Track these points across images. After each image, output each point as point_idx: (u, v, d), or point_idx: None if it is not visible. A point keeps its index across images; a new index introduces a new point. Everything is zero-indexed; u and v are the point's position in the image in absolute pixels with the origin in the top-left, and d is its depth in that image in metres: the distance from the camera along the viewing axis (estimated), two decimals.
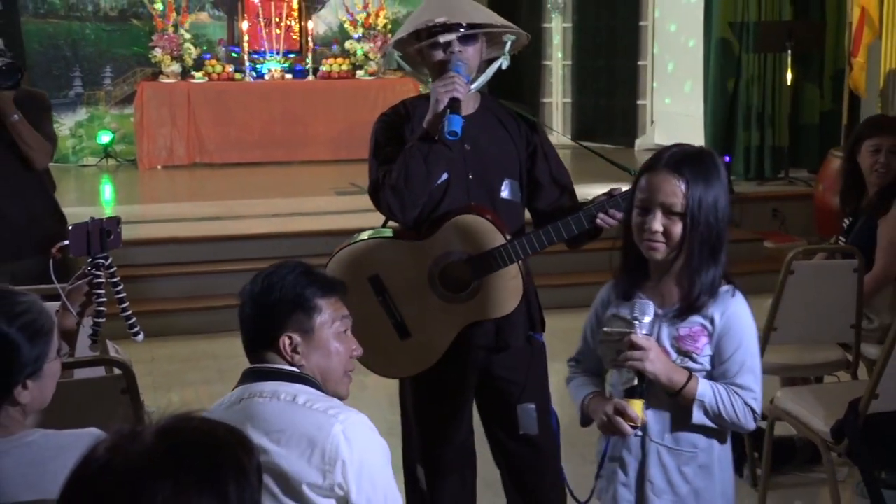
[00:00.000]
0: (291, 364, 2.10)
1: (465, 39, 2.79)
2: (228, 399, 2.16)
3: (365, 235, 2.99)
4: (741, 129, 8.29)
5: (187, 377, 5.12)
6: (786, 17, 8.14)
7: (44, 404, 2.07)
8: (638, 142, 9.99)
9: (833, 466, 3.55)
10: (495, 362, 2.95)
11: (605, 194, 2.82)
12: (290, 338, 2.08)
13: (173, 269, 6.36)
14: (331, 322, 2.13)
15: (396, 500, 2.03)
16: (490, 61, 3.00)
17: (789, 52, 7.87)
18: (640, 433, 2.28)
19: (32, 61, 9.11)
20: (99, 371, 2.88)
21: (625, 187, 2.68)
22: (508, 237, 2.82)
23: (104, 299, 2.95)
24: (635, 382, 2.20)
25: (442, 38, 2.76)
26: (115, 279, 3.01)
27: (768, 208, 7.60)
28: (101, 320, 2.95)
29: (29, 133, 3.92)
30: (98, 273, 2.94)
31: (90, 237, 2.96)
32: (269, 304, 2.10)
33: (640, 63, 9.92)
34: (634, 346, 2.18)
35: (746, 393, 2.26)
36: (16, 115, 3.87)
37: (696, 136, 8.66)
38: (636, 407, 2.20)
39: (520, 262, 2.85)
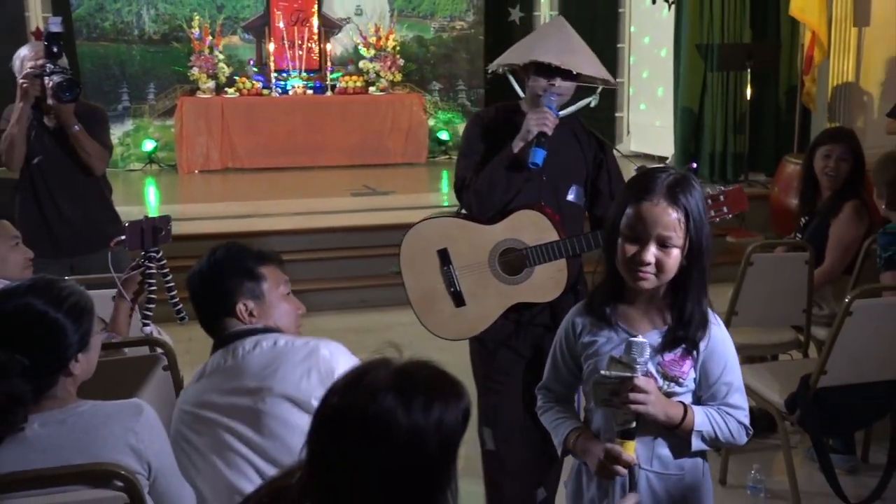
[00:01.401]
0: (251, 325, 2.14)
1: (567, 77, 2.84)
2: (211, 364, 2.20)
3: (441, 213, 3.07)
4: (706, 137, 8.29)
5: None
6: (745, 40, 8.14)
7: (90, 374, 2.08)
8: (616, 150, 9.95)
9: (787, 434, 3.55)
10: (547, 340, 2.93)
11: None
12: (245, 304, 2.13)
13: None
14: (275, 286, 2.17)
15: None
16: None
17: (749, 70, 7.85)
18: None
19: (86, 79, 9.09)
20: (143, 350, 2.87)
21: None
22: (563, 235, 2.86)
23: (155, 287, 2.98)
24: (633, 425, 1.95)
25: (553, 85, 2.82)
26: (165, 270, 3.05)
27: (726, 219, 7.54)
28: (151, 305, 2.98)
29: (88, 142, 3.91)
30: (150, 265, 2.97)
31: (144, 233, 2.98)
32: (218, 279, 2.13)
33: (618, 80, 9.88)
34: (636, 390, 1.91)
35: (738, 412, 2.07)
36: (77, 126, 3.87)
37: (666, 144, 8.67)
38: (629, 449, 1.96)
39: (568, 257, 2.87)
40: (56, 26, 3.84)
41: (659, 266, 1.95)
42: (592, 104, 3.02)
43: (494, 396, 3.04)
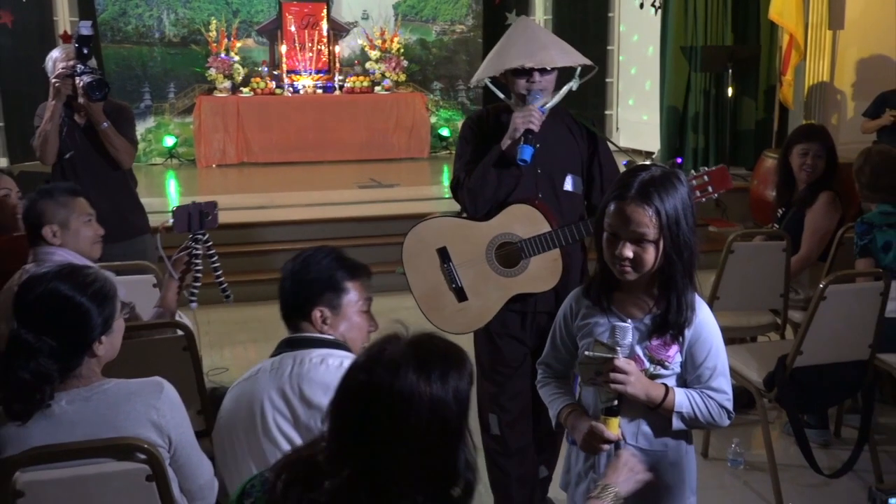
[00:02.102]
0: (321, 333, 2.07)
1: (544, 71, 2.80)
2: (270, 363, 2.11)
3: (438, 214, 3.02)
4: (690, 134, 8.27)
5: (237, 337, 5.12)
6: (727, 43, 8.10)
7: (114, 355, 2.08)
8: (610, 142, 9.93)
9: (765, 410, 3.56)
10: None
11: None
12: (321, 311, 2.06)
13: (226, 248, 6.31)
14: (356, 301, 2.10)
15: None
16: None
17: (730, 71, 7.83)
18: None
19: (110, 80, 8.86)
20: (165, 332, 2.87)
21: None
22: (555, 226, 2.81)
23: (200, 267, 2.97)
24: (615, 403, 1.96)
25: (533, 82, 2.78)
26: (212, 252, 3.04)
27: (711, 200, 7.53)
28: (197, 284, 2.99)
29: (116, 138, 3.90)
30: (197, 247, 2.97)
31: (191, 217, 2.98)
32: (305, 282, 2.07)
33: (607, 80, 9.86)
34: (617, 370, 1.93)
35: (720, 395, 2.04)
36: (105, 123, 3.86)
37: (653, 140, 8.65)
38: (613, 426, 1.97)
39: (560, 247, 2.82)
40: (86, 29, 3.83)
41: (636, 261, 1.94)
42: (574, 88, 2.96)
43: (500, 385, 3.00)
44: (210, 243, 3.04)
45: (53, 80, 3.82)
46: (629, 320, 2.01)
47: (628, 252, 1.93)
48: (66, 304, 1.95)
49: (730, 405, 2.06)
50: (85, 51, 3.80)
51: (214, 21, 9.69)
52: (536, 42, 2.84)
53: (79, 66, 3.79)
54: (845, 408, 3.97)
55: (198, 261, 2.98)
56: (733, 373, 3.63)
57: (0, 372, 1.92)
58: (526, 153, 2.73)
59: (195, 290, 3.00)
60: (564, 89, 2.96)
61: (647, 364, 2.01)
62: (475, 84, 2.98)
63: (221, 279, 3.11)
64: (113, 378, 2.03)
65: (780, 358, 3.41)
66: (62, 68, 3.81)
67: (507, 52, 2.84)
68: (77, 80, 3.78)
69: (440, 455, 1.33)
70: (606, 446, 1.99)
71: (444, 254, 2.92)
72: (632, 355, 1.99)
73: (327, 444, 1.36)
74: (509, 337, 2.96)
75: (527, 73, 2.79)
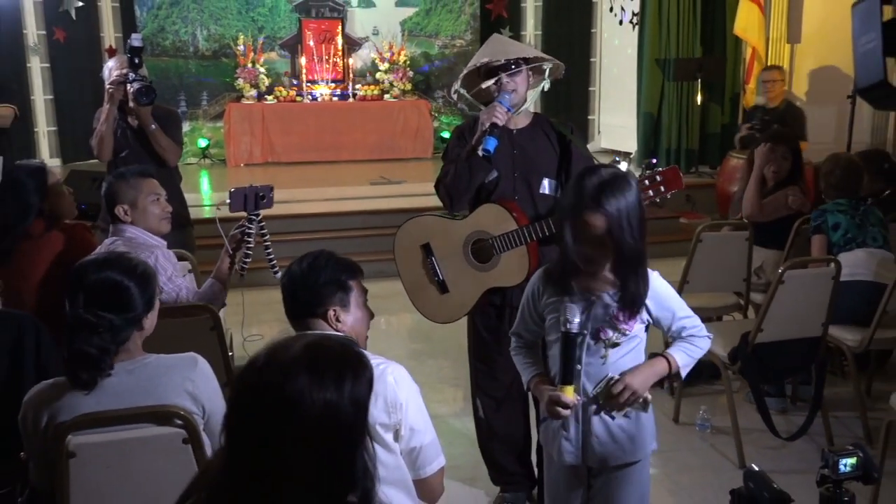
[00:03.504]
0: (335, 330, 2.01)
1: (511, 73, 2.67)
2: None
3: (426, 214, 2.95)
4: (664, 136, 8.25)
5: (263, 316, 5.10)
6: (697, 55, 8.08)
7: (152, 330, 2.08)
8: (589, 146, 9.89)
9: (729, 381, 3.56)
10: None
11: None
12: (334, 311, 2.00)
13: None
14: (357, 297, 2.06)
15: (427, 422, 1.96)
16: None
17: (699, 80, 7.81)
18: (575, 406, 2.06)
19: None
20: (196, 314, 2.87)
21: None
22: (522, 224, 2.71)
23: (252, 244, 2.94)
24: (579, 367, 2.04)
25: (501, 83, 2.68)
26: (264, 231, 3.01)
27: (683, 194, 7.53)
28: (248, 260, 2.95)
29: (163, 139, 3.89)
30: (250, 227, 2.93)
31: (247, 199, 2.94)
32: (317, 285, 1.99)
33: (590, 89, 9.81)
34: (625, 389, 2.02)
35: (696, 330, 2.13)
36: (153, 126, 3.85)
37: (631, 142, 8.61)
38: (568, 392, 2.01)
39: (528, 243, 2.71)
40: (137, 41, 3.84)
41: (599, 255, 2.00)
42: (545, 88, 2.88)
43: (484, 374, 2.95)
44: (263, 223, 3.00)
45: (108, 86, 3.82)
46: (593, 296, 2.05)
47: (593, 249, 1.97)
48: (117, 286, 1.96)
49: (704, 329, 2.15)
50: (136, 60, 3.79)
51: (242, 36, 9.64)
52: (501, 46, 2.78)
53: (130, 73, 3.77)
54: (800, 379, 3.97)
55: (250, 239, 2.95)
56: None
57: (65, 347, 1.92)
58: (489, 144, 2.62)
59: (245, 265, 2.98)
60: (537, 89, 2.87)
61: (610, 333, 2.04)
62: (454, 93, 2.87)
63: (272, 257, 3.09)
64: (153, 353, 2.03)
65: (743, 335, 3.41)
66: (116, 76, 3.81)
67: (473, 60, 2.77)
68: (128, 86, 3.76)
69: (335, 460, 1.17)
70: (566, 411, 2.03)
71: (427, 249, 2.87)
72: (585, 327, 2.02)
73: (224, 447, 1.21)
74: (491, 328, 2.88)
75: (495, 74, 2.69)
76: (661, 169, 2.57)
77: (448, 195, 2.79)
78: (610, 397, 2.04)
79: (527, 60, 2.75)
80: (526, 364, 2.24)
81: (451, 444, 3.43)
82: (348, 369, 1.19)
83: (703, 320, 4.05)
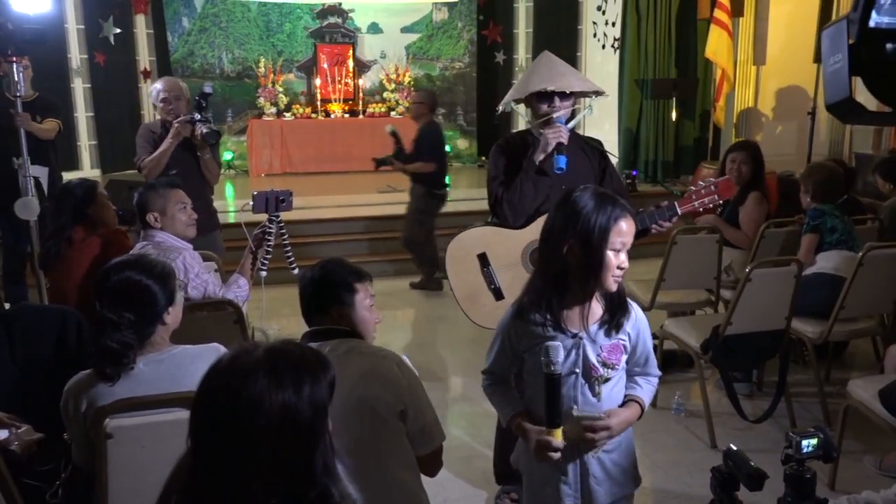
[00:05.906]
0: (340, 326, 2.00)
1: (563, 96, 2.64)
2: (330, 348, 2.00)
3: (478, 224, 2.77)
4: (643, 150, 8.25)
5: (283, 311, 5.10)
6: (672, 75, 8.09)
7: (178, 323, 2.06)
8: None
9: (701, 369, 3.55)
10: None
11: (654, 206, 2.57)
12: (338, 310, 2.00)
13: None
14: (363, 299, 2.03)
15: (428, 403, 1.94)
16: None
17: (674, 98, 7.81)
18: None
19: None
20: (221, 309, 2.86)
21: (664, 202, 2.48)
22: None
23: (272, 242, 2.93)
24: (558, 418, 1.78)
25: (554, 107, 2.59)
26: (283, 232, 3.01)
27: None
28: (268, 257, 2.96)
29: (211, 164, 3.99)
30: (271, 227, 2.93)
31: (268, 201, 2.94)
32: (326, 287, 1.98)
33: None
34: (601, 429, 1.80)
35: (653, 379, 1.94)
36: (208, 155, 3.95)
37: (612, 154, 8.58)
38: (557, 435, 1.78)
39: None
40: (209, 88, 3.93)
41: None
42: (588, 115, 2.81)
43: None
44: (283, 224, 2.99)
45: (175, 124, 3.86)
46: (579, 333, 1.82)
47: (627, 262, 1.77)
48: (137, 285, 1.94)
49: (658, 376, 1.96)
50: (203, 104, 3.85)
51: (263, 60, 9.66)
52: (558, 70, 2.68)
53: (196, 115, 3.85)
54: (766, 366, 3.96)
55: (270, 238, 2.95)
56: (676, 340, 3.63)
57: (93, 343, 1.91)
58: (561, 161, 2.56)
59: (266, 262, 2.98)
60: (581, 114, 2.80)
61: (601, 371, 1.84)
62: (503, 109, 2.76)
63: (290, 254, 3.09)
64: (180, 345, 2.02)
65: (714, 327, 3.40)
66: (183, 118, 3.86)
67: (531, 80, 2.67)
68: (195, 126, 3.85)
69: (294, 459, 1.10)
70: (556, 454, 1.80)
71: (484, 259, 2.69)
72: (576, 365, 1.82)
73: (189, 448, 1.15)
74: None
75: (549, 97, 2.62)
76: (714, 179, 2.53)
77: (512, 211, 2.64)
78: (582, 437, 1.82)
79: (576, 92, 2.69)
80: (503, 402, 1.98)
81: (448, 427, 3.43)
82: (307, 372, 1.12)
83: (679, 314, 4.12)
